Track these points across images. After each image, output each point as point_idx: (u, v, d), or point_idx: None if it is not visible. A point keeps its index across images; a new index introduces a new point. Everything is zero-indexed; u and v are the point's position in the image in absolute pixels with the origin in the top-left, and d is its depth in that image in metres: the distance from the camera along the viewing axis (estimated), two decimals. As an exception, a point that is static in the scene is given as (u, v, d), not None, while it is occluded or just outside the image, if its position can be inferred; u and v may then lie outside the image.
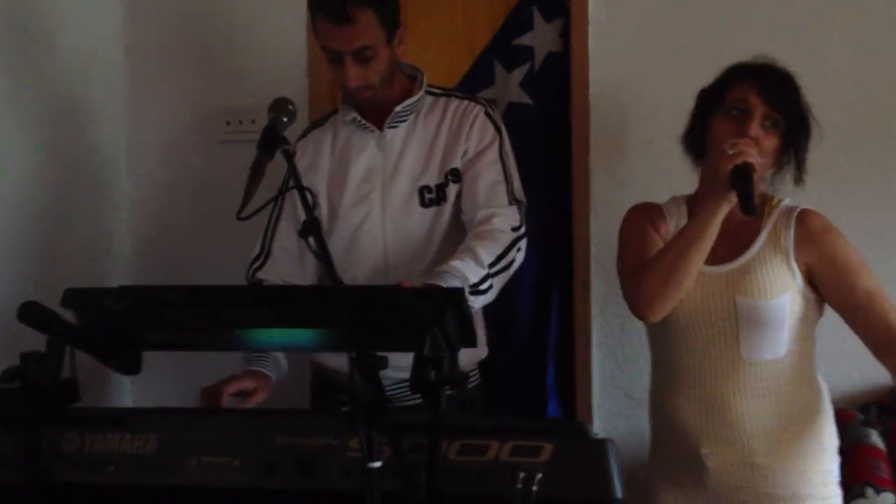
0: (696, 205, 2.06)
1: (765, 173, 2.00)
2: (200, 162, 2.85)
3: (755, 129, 1.94)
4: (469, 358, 2.26)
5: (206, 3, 2.88)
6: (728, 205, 1.90)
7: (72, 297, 1.65)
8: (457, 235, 2.18)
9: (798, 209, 2.04)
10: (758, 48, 2.54)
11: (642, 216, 2.10)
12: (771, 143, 1.96)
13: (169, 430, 1.58)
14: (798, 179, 2.03)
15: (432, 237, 2.21)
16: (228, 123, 2.84)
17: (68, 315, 1.65)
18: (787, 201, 2.07)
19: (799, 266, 2.00)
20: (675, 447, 2.03)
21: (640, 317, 1.99)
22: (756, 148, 1.90)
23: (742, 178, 1.87)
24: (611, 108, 2.69)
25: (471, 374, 2.29)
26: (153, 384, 2.60)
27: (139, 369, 1.75)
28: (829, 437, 2.03)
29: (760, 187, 2.01)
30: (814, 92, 2.51)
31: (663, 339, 2.04)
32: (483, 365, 2.33)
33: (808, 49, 2.63)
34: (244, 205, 1.87)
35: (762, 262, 2.00)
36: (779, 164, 2.01)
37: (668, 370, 2.04)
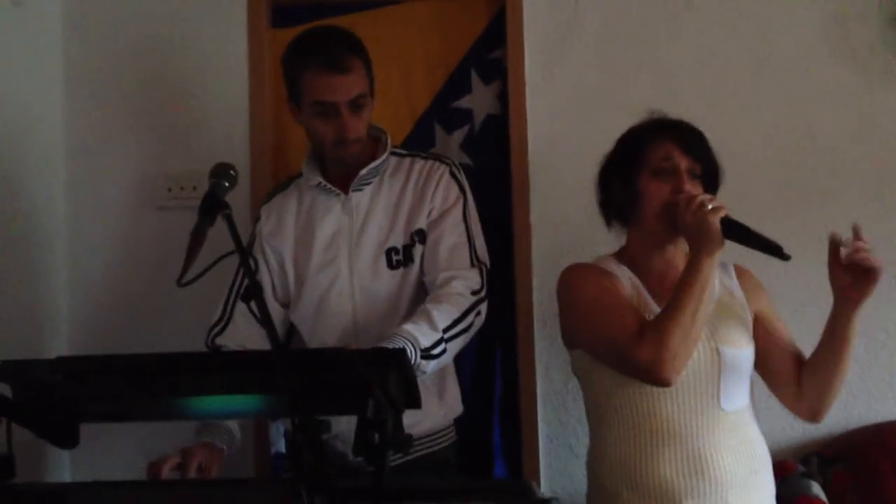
0: (633, 263, 2.07)
1: None
2: (141, 228, 2.82)
3: (689, 184, 1.99)
4: (444, 415, 2.27)
5: (149, 68, 2.87)
6: (720, 252, 1.93)
7: (5, 370, 1.61)
8: (425, 297, 2.18)
9: (730, 264, 2.12)
10: (691, 106, 2.63)
11: (597, 278, 2.05)
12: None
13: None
14: None
15: (401, 299, 2.21)
16: (170, 190, 2.82)
17: (3, 388, 1.62)
18: None
19: (750, 316, 2.07)
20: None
21: (662, 382, 1.90)
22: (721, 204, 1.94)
23: (737, 228, 1.92)
24: (550, 168, 2.74)
25: (445, 432, 2.28)
26: (94, 455, 2.54)
27: (76, 442, 1.71)
28: (773, 487, 2.06)
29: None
30: (741, 146, 2.62)
31: (644, 396, 1.97)
32: (457, 422, 2.32)
33: (738, 105, 2.73)
34: (185, 271, 1.87)
35: (728, 313, 2.04)
36: None
37: (647, 428, 1.97)
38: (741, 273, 2.13)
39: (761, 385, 2.12)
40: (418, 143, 2.77)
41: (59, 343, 2.77)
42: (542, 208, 2.74)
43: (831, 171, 2.71)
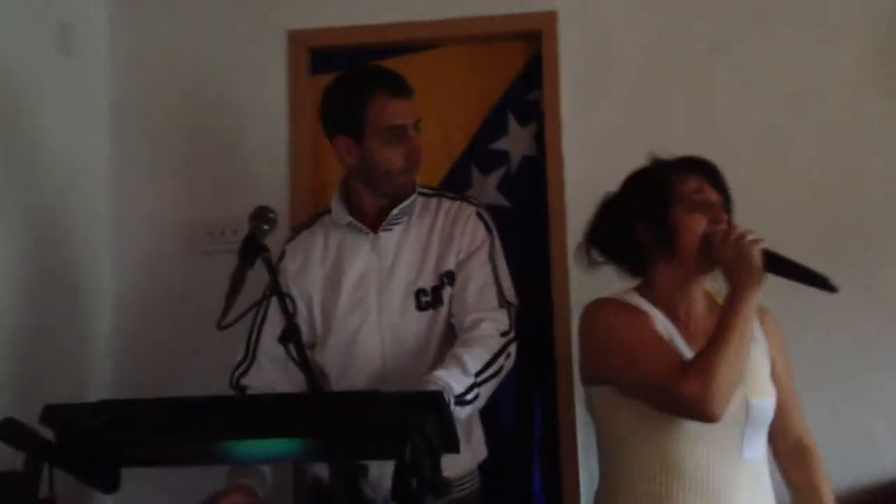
0: (657, 299, 2.05)
1: None
2: (183, 273, 2.86)
3: (725, 217, 1.99)
4: (469, 460, 2.23)
5: (191, 117, 2.93)
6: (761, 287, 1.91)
7: (50, 414, 1.63)
8: (454, 338, 2.17)
9: None
10: (730, 144, 2.63)
11: (630, 315, 2.03)
12: None
13: (148, 547, 1.55)
14: None
15: (430, 341, 2.19)
16: (211, 234, 2.86)
17: (46, 432, 1.64)
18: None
19: (769, 362, 2.04)
20: None
21: (710, 415, 1.86)
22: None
23: (779, 261, 1.90)
24: (587, 209, 2.70)
25: (470, 477, 2.25)
26: (135, 498, 2.55)
27: (118, 486, 1.72)
28: None
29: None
30: (781, 183, 2.59)
31: (666, 441, 1.94)
32: (481, 467, 2.29)
33: (778, 142, 2.71)
34: (224, 314, 1.89)
35: (755, 361, 2.01)
36: None
37: (671, 474, 1.94)
38: (762, 315, 2.08)
39: (812, 430, 2.08)
40: (455, 185, 2.79)
41: (103, 387, 2.81)
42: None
43: (873, 206, 2.68)
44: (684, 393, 1.86)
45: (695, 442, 1.92)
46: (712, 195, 2.01)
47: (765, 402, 1.99)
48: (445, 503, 2.08)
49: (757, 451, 1.98)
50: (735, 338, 1.88)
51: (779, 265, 1.91)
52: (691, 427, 1.91)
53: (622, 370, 2.00)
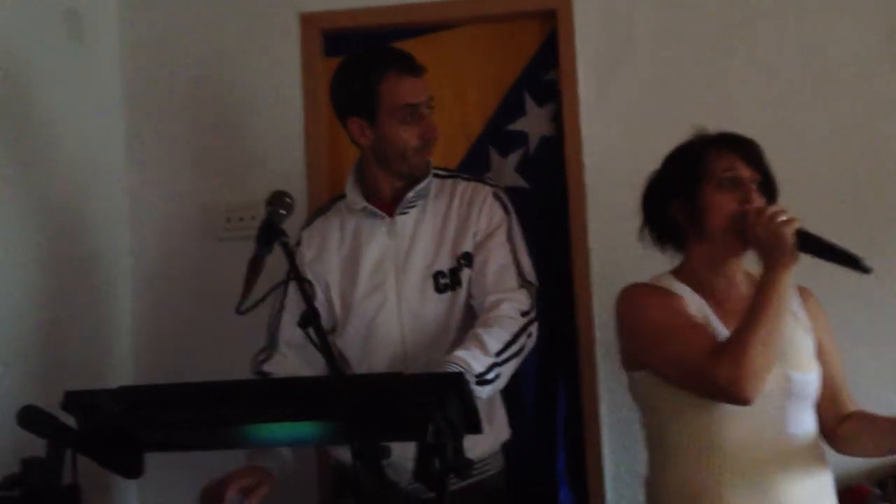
0: (696, 281, 2.04)
1: None
2: (201, 259, 2.86)
3: (757, 196, 1.95)
4: (491, 441, 2.23)
5: (206, 102, 2.92)
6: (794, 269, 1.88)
7: (72, 400, 1.63)
8: (473, 319, 2.16)
9: (794, 285, 2.04)
10: (749, 123, 2.59)
11: (663, 298, 2.00)
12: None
13: (171, 532, 1.55)
14: None
15: (449, 323, 2.19)
16: (229, 220, 2.86)
17: (69, 418, 1.64)
18: None
19: (815, 342, 2.02)
20: None
21: (742, 400, 1.84)
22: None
23: (813, 241, 1.86)
24: (607, 189, 2.71)
25: (493, 458, 2.24)
26: (159, 484, 2.56)
27: (141, 472, 1.71)
28: None
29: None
30: (802, 162, 2.57)
31: (707, 422, 1.92)
32: (505, 447, 2.28)
33: (798, 120, 2.68)
34: (243, 299, 1.89)
35: (796, 336, 1.99)
36: None
37: (714, 453, 1.92)
38: (805, 295, 2.06)
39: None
40: (473, 167, 2.77)
41: (124, 373, 2.82)
42: (599, 230, 2.71)
43: (893, 183, 2.64)
44: (717, 377, 1.84)
45: (736, 421, 1.90)
46: (745, 173, 1.97)
47: (807, 377, 1.96)
48: (469, 485, 2.08)
49: (803, 425, 1.95)
50: (769, 319, 1.85)
51: (812, 245, 1.87)
52: (730, 406, 1.88)
53: (655, 354, 1.98)
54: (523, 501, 2.56)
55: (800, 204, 2.43)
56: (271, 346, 2.25)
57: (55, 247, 2.58)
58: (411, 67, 2.20)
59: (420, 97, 2.20)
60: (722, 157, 1.98)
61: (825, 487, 1.97)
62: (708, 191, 1.97)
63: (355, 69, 2.24)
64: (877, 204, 2.65)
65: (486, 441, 2.18)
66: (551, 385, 2.73)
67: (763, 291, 1.88)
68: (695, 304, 1.99)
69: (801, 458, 1.94)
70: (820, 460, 1.98)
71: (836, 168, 2.67)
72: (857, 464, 2.39)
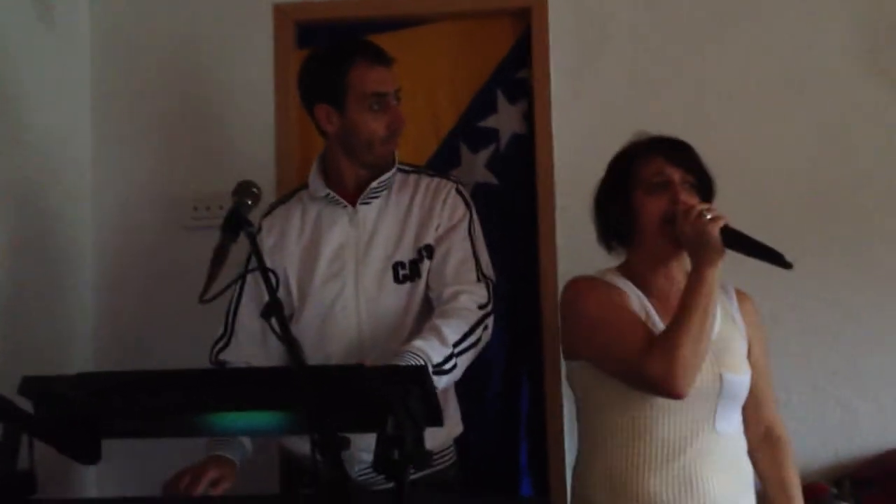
0: (636, 277, 2.05)
1: None
2: (166, 248, 2.84)
3: (685, 195, 1.98)
4: (444, 435, 2.23)
5: (175, 90, 2.90)
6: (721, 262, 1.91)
7: (29, 385, 1.62)
8: (431, 312, 2.16)
9: (731, 287, 2.11)
10: (721, 126, 2.62)
11: (604, 291, 2.05)
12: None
13: (127, 519, 1.54)
14: None
15: (407, 314, 2.19)
16: (195, 209, 2.84)
17: (25, 403, 1.62)
18: None
19: (747, 345, 2.06)
20: None
21: (675, 395, 1.89)
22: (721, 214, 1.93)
23: (737, 237, 1.89)
24: (576, 188, 2.70)
25: (445, 452, 2.25)
26: (118, 471, 2.55)
27: (98, 458, 1.70)
28: None
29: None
30: (773, 167, 2.60)
31: (639, 415, 1.96)
32: (458, 442, 2.29)
33: (769, 124, 2.71)
34: (207, 288, 1.87)
35: (731, 338, 2.03)
36: None
37: (643, 445, 1.97)
38: (742, 299, 2.11)
39: (790, 409, 2.08)
40: (444, 163, 2.77)
41: (86, 361, 2.79)
42: (567, 228, 2.72)
43: (865, 191, 2.68)
44: (649, 371, 1.90)
45: (668, 413, 1.95)
46: (674, 175, 2.00)
47: (739, 378, 2.00)
48: (419, 478, 2.08)
49: (731, 424, 2.00)
50: (697, 316, 1.89)
51: (738, 242, 1.90)
52: (663, 400, 1.93)
53: (593, 346, 2.02)
54: (486, 495, 2.56)
55: (771, 205, 2.48)
56: (228, 334, 2.24)
57: (17, 230, 2.55)
58: (381, 57, 2.21)
59: (389, 87, 2.21)
60: (650, 163, 2.02)
61: (747, 484, 2.02)
62: (639, 196, 2.02)
63: (325, 58, 2.24)
64: (845, 208, 2.67)
65: (439, 435, 2.19)
66: (515, 380, 2.74)
67: (692, 289, 1.92)
68: (636, 299, 2.03)
69: (727, 454, 1.98)
70: (744, 458, 2.03)
71: (806, 171, 2.70)
72: (813, 462, 2.43)
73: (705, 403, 1.95)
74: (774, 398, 2.11)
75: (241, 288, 2.20)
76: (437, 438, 2.18)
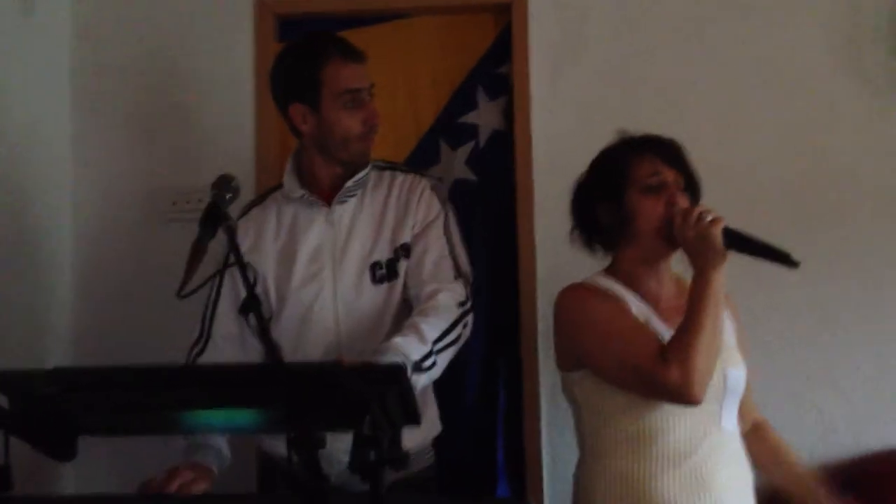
0: (630, 279, 2.05)
1: None
2: (147, 242, 2.82)
3: (680, 197, 1.98)
4: (422, 437, 2.23)
5: (155, 83, 2.88)
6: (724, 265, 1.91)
7: (3, 380, 1.60)
8: (409, 312, 2.16)
9: None
10: (699, 124, 2.63)
11: (603, 300, 2.02)
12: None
13: (102, 517, 1.53)
14: None
15: (385, 314, 2.18)
16: (174, 203, 2.82)
17: (2, 398, 1.61)
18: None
19: (735, 335, 2.06)
20: None
21: (693, 400, 1.88)
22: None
23: (740, 238, 1.90)
24: (555, 184, 2.70)
25: (423, 453, 2.24)
26: (98, 469, 2.54)
27: (74, 455, 1.68)
28: None
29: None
30: (749, 165, 2.61)
31: (648, 420, 1.95)
32: (436, 442, 2.29)
33: (747, 123, 2.72)
34: (184, 283, 1.86)
35: (727, 335, 2.03)
36: None
37: (651, 449, 1.95)
38: (725, 298, 2.08)
39: (766, 413, 2.10)
40: (423, 159, 2.77)
41: (65, 355, 2.77)
42: (547, 226, 2.72)
43: (842, 190, 2.69)
44: (666, 381, 1.88)
45: (677, 419, 1.94)
46: (668, 176, 2.00)
47: (738, 373, 2.01)
48: (396, 479, 2.07)
49: (733, 420, 2.01)
50: (709, 320, 1.89)
51: (740, 242, 1.91)
52: (672, 405, 1.92)
53: (599, 356, 2.00)
54: (462, 494, 2.56)
55: (747, 204, 2.49)
56: (206, 337, 2.22)
57: (-6, 223, 2.53)
58: (353, 54, 2.20)
59: (363, 83, 2.20)
60: (645, 162, 2.01)
61: (748, 474, 2.03)
62: (634, 196, 2.00)
63: (297, 55, 2.23)
64: (820, 206, 2.69)
65: (417, 436, 2.18)
66: (492, 379, 2.73)
67: (698, 293, 1.91)
68: (636, 305, 2.02)
69: (732, 451, 1.99)
70: (744, 454, 2.03)
71: (783, 171, 2.71)
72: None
73: (713, 402, 1.95)
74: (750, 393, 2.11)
75: (219, 289, 2.17)
76: (416, 439, 2.17)
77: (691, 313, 1.90)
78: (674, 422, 1.94)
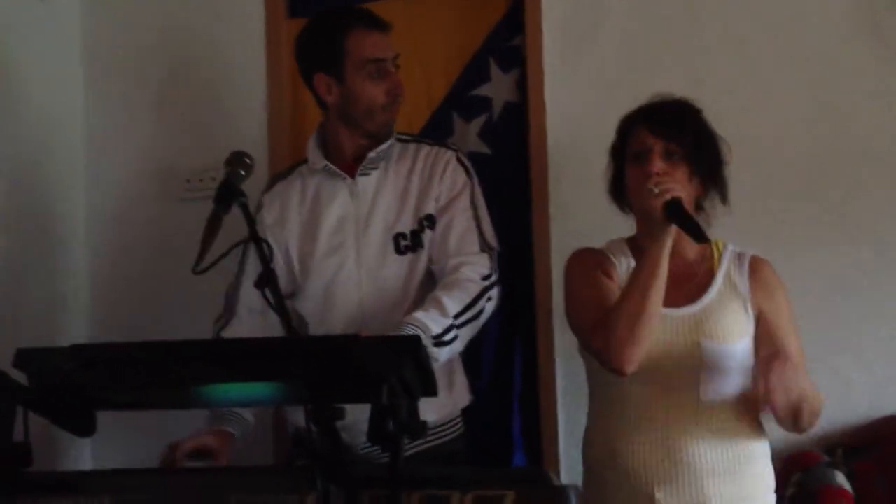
0: (637, 247, 2.06)
1: (691, 200, 2.00)
2: (159, 219, 2.84)
3: (657, 164, 1.96)
4: (451, 406, 2.24)
5: (167, 61, 2.89)
6: (670, 238, 1.91)
7: (23, 358, 1.61)
8: (433, 283, 2.16)
9: (749, 255, 2.08)
10: (715, 92, 2.60)
11: (588, 264, 2.07)
12: (681, 172, 1.98)
13: (122, 491, 1.54)
14: (724, 199, 2.05)
15: (409, 285, 2.19)
16: (188, 181, 2.84)
17: (19, 376, 1.62)
18: (732, 246, 2.09)
19: (754, 312, 2.03)
20: (625, 490, 1.98)
21: (616, 371, 1.92)
22: (674, 181, 1.93)
23: (676, 212, 1.89)
24: (569, 157, 2.71)
25: (452, 423, 2.25)
26: (115, 444, 2.56)
27: (93, 430, 1.70)
28: (771, 478, 2.05)
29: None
30: (768, 134, 2.59)
31: (618, 382, 1.98)
32: (466, 412, 2.30)
33: (764, 91, 2.68)
34: (200, 259, 1.87)
35: (723, 307, 2.02)
36: (701, 188, 2.03)
37: (622, 413, 2.00)
38: (756, 266, 2.07)
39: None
40: (436, 132, 2.75)
41: (80, 333, 2.80)
42: (561, 198, 2.71)
43: (860, 158, 2.65)
44: (592, 347, 1.96)
45: (645, 386, 1.96)
46: (654, 144, 1.98)
47: (724, 347, 1.98)
48: (427, 449, 2.09)
49: (717, 393, 1.98)
50: (637, 290, 1.91)
51: (679, 218, 1.89)
52: (640, 368, 1.93)
53: (570, 320, 2.08)
54: (478, 465, 2.57)
55: (766, 176, 2.47)
56: (229, 312, 2.24)
57: (11, 202, 2.56)
58: (377, 23, 2.20)
59: (387, 52, 2.20)
60: (637, 131, 2.03)
61: (746, 452, 2.00)
62: (628, 167, 2.04)
63: (321, 26, 2.23)
64: (843, 178, 2.65)
65: (446, 406, 2.20)
66: (508, 350, 2.74)
67: (636, 266, 1.95)
68: (624, 269, 2.05)
69: (714, 426, 1.98)
70: (741, 431, 2.00)
71: (802, 140, 2.67)
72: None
73: (684, 373, 1.96)
74: (801, 355, 2.03)
75: (243, 266, 2.19)
76: (445, 408, 2.21)
77: (627, 284, 1.94)
78: (639, 390, 1.96)
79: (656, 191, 1.90)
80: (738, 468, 1.99)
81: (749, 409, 2.01)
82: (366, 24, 2.18)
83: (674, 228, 1.90)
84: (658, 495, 1.95)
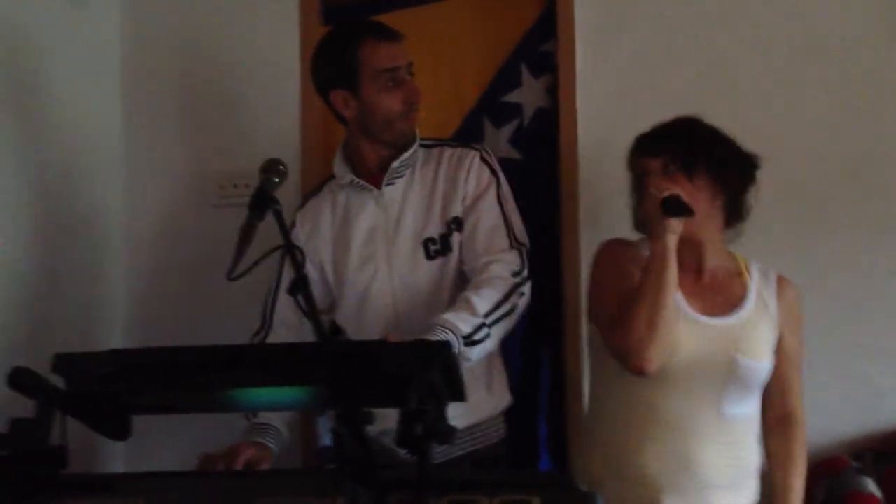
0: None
1: (709, 211, 2.02)
2: (194, 226, 2.87)
3: (654, 183, 1.99)
4: (491, 407, 2.25)
5: (202, 70, 2.93)
6: (672, 234, 1.93)
7: (61, 363, 1.65)
8: (465, 286, 2.17)
9: (774, 275, 2.09)
10: (745, 97, 2.60)
11: (617, 257, 2.08)
12: (685, 185, 1.99)
13: (155, 493, 1.57)
14: (738, 199, 2.06)
15: (441, 289, 2.20)
16: (222, 188, 2.87)
17: (57, 380, 1.65)
18: (755, 263, 2.10)
19: (777, 335, 2.05)
20: (632, 494, 1.97)
21: (637, 371, 1.91)
22: (678, 188, 1.96)
23: (674, 205, 1.93)
24: (599, 163, 2.71)
25: (492, 425, 2.25)
26: (147, 448, 2.58)
27: (128, 434, 1.73)
28: (758, 492, 2.06)
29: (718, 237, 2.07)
30: (796, 135, 2.57)
31: (637, 385, 1.97)
32: (507, 414, 2.30)
33: (794, 93, 2.67)
34: (234, 266, 1.90)
35: (757, 324, 2.03)
36: (710, 191, 2.03)
37: (637, 417, 1.99)
38: (783, 287, 2.09)
39: (813, 384, 2.08)
40: (467, 138, 2.75)
41: (116, 338, 2.84)
42: (590, 204, 2.71)
43: (889, 158, 2.64)
44: (611, 346, 1.95)
45: (669, 391, 1.95)
46: (648, 165, 2.03)
47: (756, 364, 1.99)
48: (467, 453, 2.11)
49: (741, 409, 1.99)
50: (649, 290, 1.91)
51: (674, 209, 1.93)
52: (668, 374, 1.93)
53: (592, 312, 2.08)
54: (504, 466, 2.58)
55: (794, 177, 2.45)
56: (266, 326, 2.27)
57: (50, 208, 2.60)
58: (387, 33, 2.21)
59: (399, 61, 2.20)
60: (634, 162, 2.09)
61: (750, 471, 2.02)
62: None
63: (332, 43, 2.25)
64: (871, 179, 2.64)
65: (486, 408, 2.21)
66: (535, 355, 2.74)
67: (647, 264, 1.95)
68: None
69: (731, 439, 1.98)
70: (751, 444, 2.02)
71: (833, 140, 2.66)
72: (834, 436, 2.42)
73: (712, 384, 1.95)
74: (801, 388, 2.09)
75: (279, 279, 2.22)
76: (485, 411, 2.21)
77: (639, 285, 1.94)
78: (662, 396, 1.95)
79: (655, 192, 1.94)
80: (743, 482, 2.01)
81: (756, 427, 2.04)
82: (376, 35, 2.19)
83: (674, 222, 1.92)
84: (666, 503, 1.94)
